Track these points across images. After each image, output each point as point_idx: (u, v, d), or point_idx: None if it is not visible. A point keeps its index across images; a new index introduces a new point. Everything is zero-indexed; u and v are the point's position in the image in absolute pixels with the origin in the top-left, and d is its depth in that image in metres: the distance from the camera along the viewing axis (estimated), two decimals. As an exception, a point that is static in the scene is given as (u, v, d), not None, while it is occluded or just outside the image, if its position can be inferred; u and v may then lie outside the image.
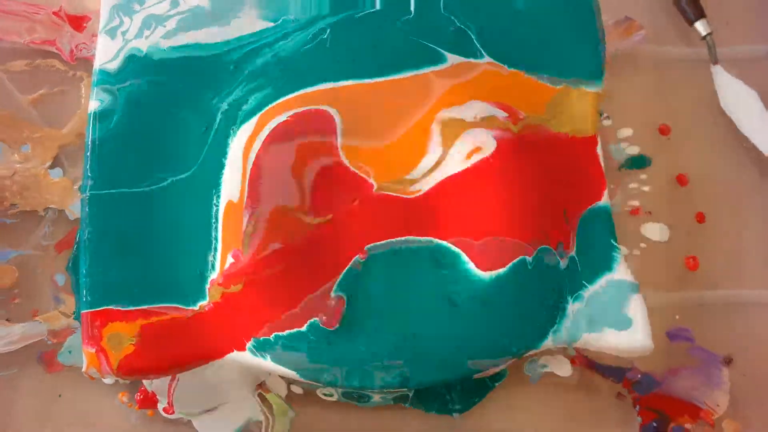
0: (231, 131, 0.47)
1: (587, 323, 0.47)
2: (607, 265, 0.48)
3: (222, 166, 0.45)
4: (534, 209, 0.47)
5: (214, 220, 0.46)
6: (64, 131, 0.55)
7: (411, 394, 0.48)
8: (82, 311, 0.46)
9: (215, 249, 0.46)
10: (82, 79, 0.56)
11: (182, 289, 0.46)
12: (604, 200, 0.50)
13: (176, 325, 0.45)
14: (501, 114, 0.45)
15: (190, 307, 0.46)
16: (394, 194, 0.44)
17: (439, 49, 0.49)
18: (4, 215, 0.53)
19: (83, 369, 0.45)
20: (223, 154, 0.46)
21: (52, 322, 0.51)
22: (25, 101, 0.56)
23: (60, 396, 0.50)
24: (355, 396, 0.49)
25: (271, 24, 0.51)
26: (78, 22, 0.57)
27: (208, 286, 0.46)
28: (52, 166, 0.54)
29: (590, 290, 0.48)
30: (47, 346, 0.51)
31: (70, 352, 0.50)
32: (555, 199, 0.48)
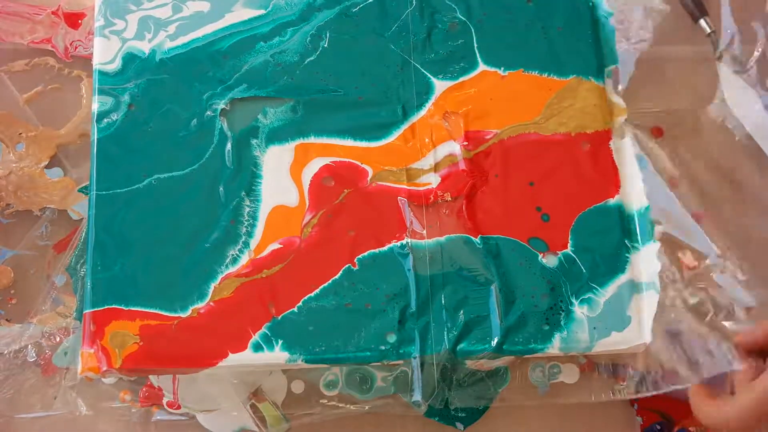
0: (253, 143, 0.49)
1: (600, 329, 0.47)
2: (620, 267, 0.48)
3: (245, 169, 0.49)
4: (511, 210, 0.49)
5: (248, 219, 0.48)
6: (62, 131, 0.55)
7: (411, 384, 0.48)
8: (85, 311, 0.46)
9: (245, 244, 0.47)
10: (80, 78, 0.56)
11: (182, 289, 0.46)
12: (617, 198, 0.49)
13: (170, 329, 0.46)
14: (457, 147, 0.50)
15: (180, 314, 0.46)
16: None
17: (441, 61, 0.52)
18: (0, 215, 0.53)
19: (79, 371, 0.45)
20: (240, 156, 0.49)
21: (49, 323, 0.50)
22: (20, 100, 0.56)
23: (55, 398, 0.49)
24: (358, 380, 0.50)
25: (262, 11, 0.52)
26: (74, 19, 0.57)
27: (216, 282, 0.46)
28: (51, 166, 0.54)
29: (603, 295, 0.47)
30: (44, 347, 0.50)
31: (65, 354, 0.50)
32: (539, 198, 0.49)
